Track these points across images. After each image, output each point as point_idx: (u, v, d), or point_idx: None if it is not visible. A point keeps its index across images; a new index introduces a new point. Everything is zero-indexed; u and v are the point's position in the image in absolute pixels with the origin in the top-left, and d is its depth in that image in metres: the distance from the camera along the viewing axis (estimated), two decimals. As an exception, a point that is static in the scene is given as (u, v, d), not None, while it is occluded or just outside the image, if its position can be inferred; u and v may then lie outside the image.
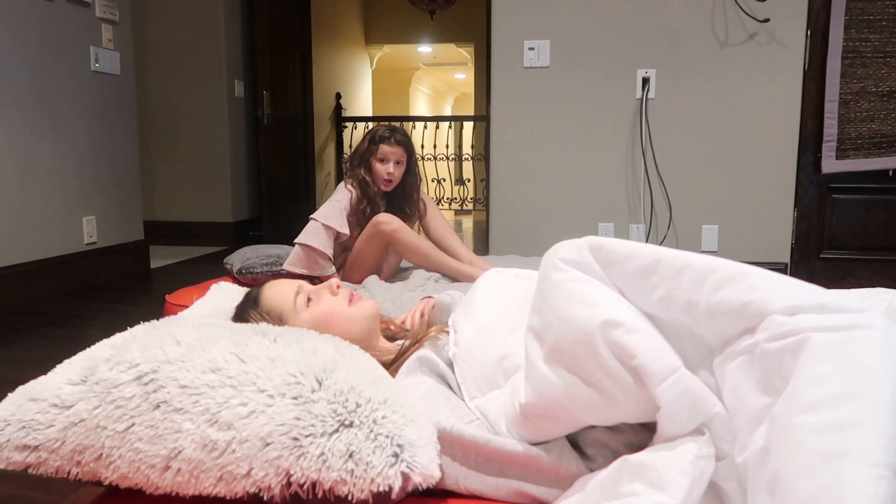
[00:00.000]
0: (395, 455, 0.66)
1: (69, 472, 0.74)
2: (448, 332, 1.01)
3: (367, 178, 2.10)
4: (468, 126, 6.67)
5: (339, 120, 6.27)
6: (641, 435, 0.73)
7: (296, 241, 2.03)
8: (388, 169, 2.10)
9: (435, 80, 10.65)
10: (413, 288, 1.94)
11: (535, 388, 0.73)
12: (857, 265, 3.07)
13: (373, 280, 2.01)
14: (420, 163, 2.24)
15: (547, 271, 0.76)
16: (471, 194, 6.70)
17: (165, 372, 0.73)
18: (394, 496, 0.66)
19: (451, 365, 0.94)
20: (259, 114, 4.47)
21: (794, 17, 2.90)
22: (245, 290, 1.33)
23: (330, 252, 2.01)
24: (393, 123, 2.24)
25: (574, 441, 0.77)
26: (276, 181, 4.68)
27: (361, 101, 7.21)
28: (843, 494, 0.50)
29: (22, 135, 2.73)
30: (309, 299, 1.02)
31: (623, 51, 3.02)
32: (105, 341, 0.82)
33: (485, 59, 3.22)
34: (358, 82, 7.09)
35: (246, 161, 4.71)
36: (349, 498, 0.65)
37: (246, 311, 1.04)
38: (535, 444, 0.76)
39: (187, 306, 1.35)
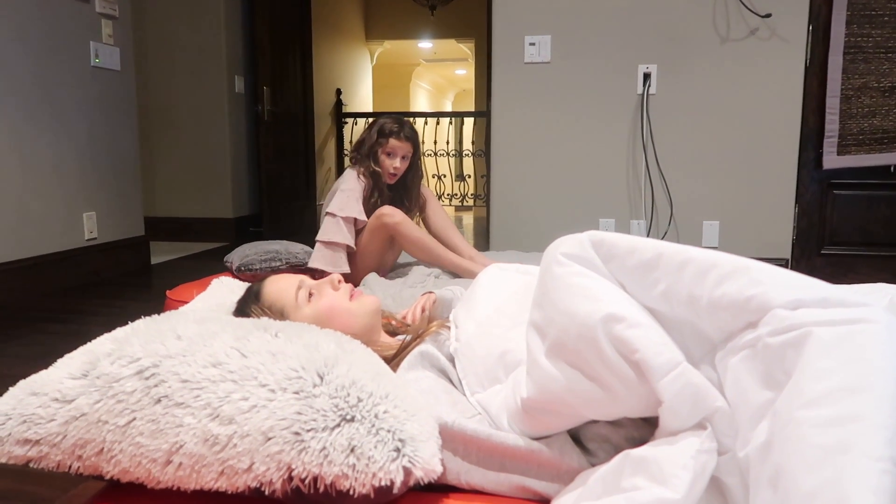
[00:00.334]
0: (397, 450, 0.66)
1: (70, 467, 0.74)
2: (449, 327, 1.01)
3: (377, 169, 2.09)
4: (469, 122, 6.65)
5: (340, 116, 6.26)
6: (643, 429, 0.73)
7: (317, 238, 2.02)
8: (394, 163, 2.10)
9: (435, 75, 10.62)
10: (413, 284, 1.94)
11: (537, 383, 0.73)
12: (859, 261, 3.06)
13: (373, 277, 2.01)
14: (420, 158, 2.23)
15: (548, 266, 0.76)
16: (471, 190, 6.69)
17: (167, 366, 0.73)
18: (395, 491, 0.66)
19: (452, 360, 0.94)
20: (259, 110, 4.47)
21: (795, 13, 2.89)
22: (246, 285, 1.33)
23: (353, 243, 2.01)
24: (400, 116, 2.21)
25: (576, 436, 0.77)
26: (277, 177, 4.68)
27: (362, 97, 7.20)
28: (845, 488, 0.50)
29: (22, 131, 2.73)
30: (310, 294, 1.02)
31: (624, 46, 3.01)
32: (106, 336, 0.82)
33: (485, 55, 3.21)
34: (358, 78, 7.08)
35: (246, 157, 4.71)
36: (351, 492, 0.65)
37: (247, 306, 1.04)
38: (537, 439, 0.76)
39: (188, 302, 1.35)
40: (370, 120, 2.89)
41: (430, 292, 1.28)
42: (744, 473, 0.62)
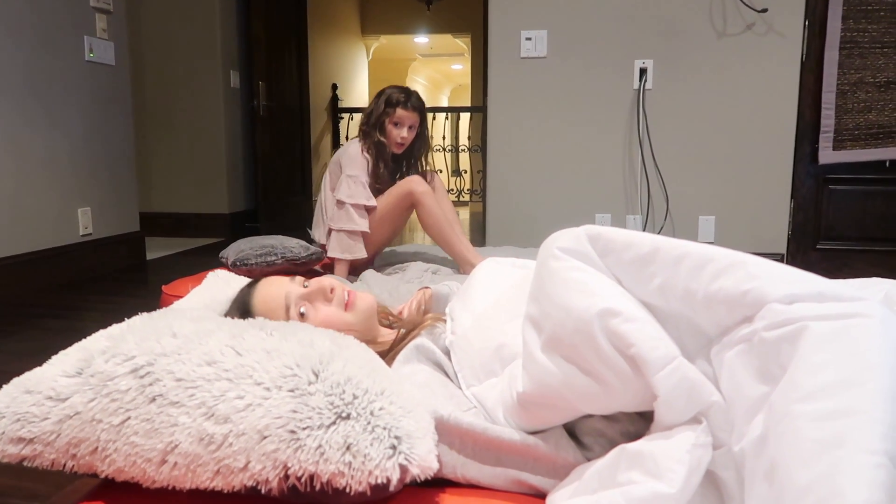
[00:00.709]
0: (393, 447, 0.66)
1: (65, 465, 0.73)
2: (445, 321, 1.01)
3: (383, 139, 2.12)
4: (465, 117, 6.64)
5: (336, 111, 6.24)
6: (639, 424, 0.73)
7: (329, 226, 2.07)
8: (401, 133, 2.12)
9: (432, 70, 10.60)
10: (410, 280, 1.94)
11: (533, 377, 0.73)
12: (854, 256, 3.07)
13: (370, 273, 2.01)
14: (428, 129, 2.24)
15: (545, 260, 0.76)
16: (467, 185, 6.68)
17: (161, 365, 0.72)
18: (392, 488, 0.65)
19: (447, 353, 0.94)
20: (255, 104, 4.45)
21: (791, 8, 2.88)
22: (241, 279, 1.32)
23: (367, 227, 2.04)
24: (406, 86, 2.24)
25: (571, 430, 0.77)
26: (273, 172, 4.66)
27: (358, 92, 7.17)
28: (840, 482, 0.50)
29: (16, 126, 2.71)
30: (301, 314, 0.96)
31: (620, 41, 3.00)
32: (101, 332, 0.82)
33: (482, 50, 3.20)
34: (354, 73, 7.05)
35: (242, 152, 4.69)
36: (347, 490, 0.65)
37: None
38: (533, 433, 0.76)
39: (184, 297, 1.34)
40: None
41: (427, 287, 1.28)
42: (739, 468, 0.62)
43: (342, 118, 6.24)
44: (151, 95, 4.43)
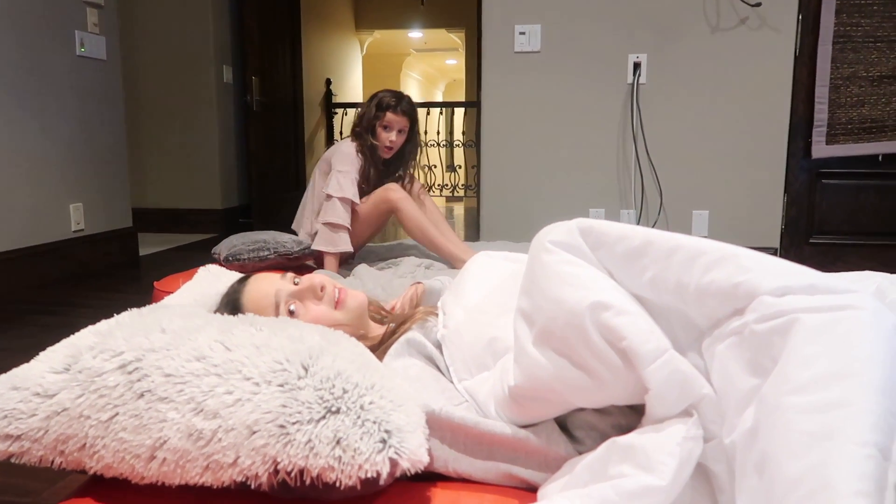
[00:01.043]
0: (383, 441, 0.65)
1: (53, 462, 0.73)
2: (436, 314, 1.00)
3: (375, 143, 2.16)
4: (459, 112, 6.63)
5: (330, 106, 6.21)
6: (630, 417, 0.73)
7: (317, 220, 2.12)
8: (390, 137, 2.16)
9: (426, 65, 10.57)
10: (403, 274, 1.94)
11: (525, 371, 0.73)
12: (847, 250, 3.08)
13: (363, 268, 2.01)
14: (419, 133, 2.27)
15: (537, 253, 0.76)
16: (462, 181, 6.68)
17: (150, 360, 0.72)
18: (382, 482, 0.65)
19: (439, 347, 0.94)
20: (248, 99, 4.42)
21: (785, 2, 2.88)
22: (234, 274, 1.32)
23: (348, 223, 2.08)
24: (400, 91, 2.29)
25: (563, 424, 0.76)
26: (266, 168, 4.64)
27: (352, 87, 7.15)
28: (830, 474, 0.50)
29: (6, 121, 2.69)
30: (291, 312, 0.95)
31: (614, 35, 3.00)
32: (89, 328, 0.81)
33: (476, 45, 3.19)
34: (348, 68, 7.02)
35: (235, 147, 4.67)
36: (337, 485, 0.64)
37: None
38: (524, 427, 0.76)
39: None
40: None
41: (419, 282, 1.28)
42: (730, 460, 0.62)
43: (336, 113, 6.21)
44: (144, 90, 4.40)
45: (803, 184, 3.05)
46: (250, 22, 4.38)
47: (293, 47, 5.05)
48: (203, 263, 2.04)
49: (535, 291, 0.74)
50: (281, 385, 0.68)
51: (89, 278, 3.02)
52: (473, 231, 3.58)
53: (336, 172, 2.10)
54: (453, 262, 2.05)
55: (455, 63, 10.09)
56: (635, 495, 0.60)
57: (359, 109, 2.28)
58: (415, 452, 0.66)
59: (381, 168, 2.21)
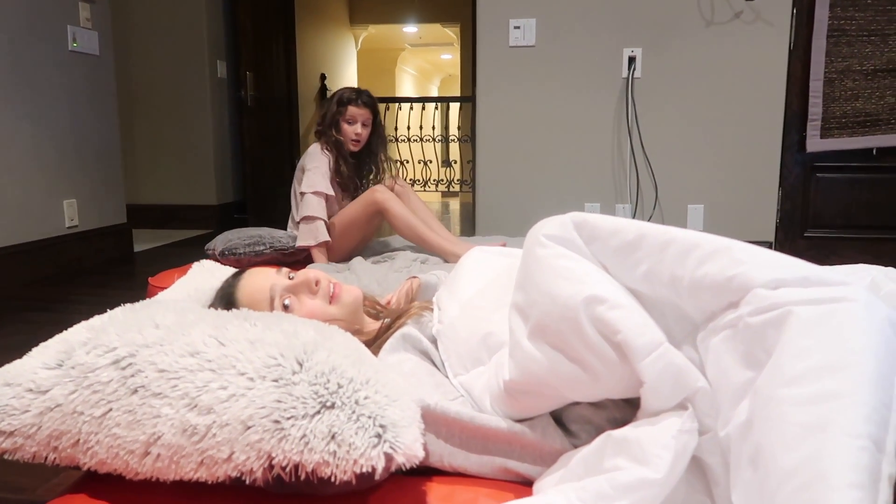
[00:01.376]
0: (378, 436, 0.65)
1: (46, 458, 0.73)
2: (431, 309, 1.00)
3: (340, 138, 2.21)
4: (454, 107, 6.61)
5: (324, 101, 6.19)
6: (625, 411, 0.73)
7: (295, 219, 2.16)
8: (355, 130, 2.21)
9: (421, 60, 10.53)
10: (399, 269, 1.93)
11: (520, 365, 0.73)
12: (841, 244, 3.09)
13: (358, 261, 2.00)
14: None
15: (531, 248, 0.76)
16: (457, 176, 6.66)
17: (143, 356, 0.72)
18: (377, 477, 0.65)
19: (434, 342, 0.94)
20: (242, 95, 4.40)
21: (780, -5, 2.88)
22: (228, 269, 1.31)
23: (325, 216, 2.11)
24: (358, 86, 2.36)
25: (558, 418, 0.77)
26: (261, 163, 4.62)
27: (346, 82, 7.11)
28: (824, 466, 0.50)
29: (-3, 117, 2.67)
30: (285, 306, 0.95)
31: (609, 29, 2.99)
32: (82, 324, 0.81)
33: (471, 39, 3.18)
34: (343, 63, 7.00)
35: (230, 143, 4.65)
36: (332, 479, 0.64)
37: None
38: (520, 421, 0.76)
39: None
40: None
41: (415, 277, 1.27)
42: (725, 453, 0.62)
43: (331, 108, 6.18)
44: (137, 86, 4.37)
45: (798, 178, 3.05)
46: (244, 17, 4.36)
47: (287, 42, 5.02)
48: (197, 259, 2.03)
49: (530, 286, 0.74)
50: (275, 380, 0.68)
51: (83, 275, 3.00)
52: (469, 226, 3.58)
53: (307, 172, 2.16)
54: (446, 257, 2.05)
55: (450, 58, 10.06)
56: (630, 488, 0.60)
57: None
58: (410, 447, 0.66)
59: (352, 161, 2.26)
